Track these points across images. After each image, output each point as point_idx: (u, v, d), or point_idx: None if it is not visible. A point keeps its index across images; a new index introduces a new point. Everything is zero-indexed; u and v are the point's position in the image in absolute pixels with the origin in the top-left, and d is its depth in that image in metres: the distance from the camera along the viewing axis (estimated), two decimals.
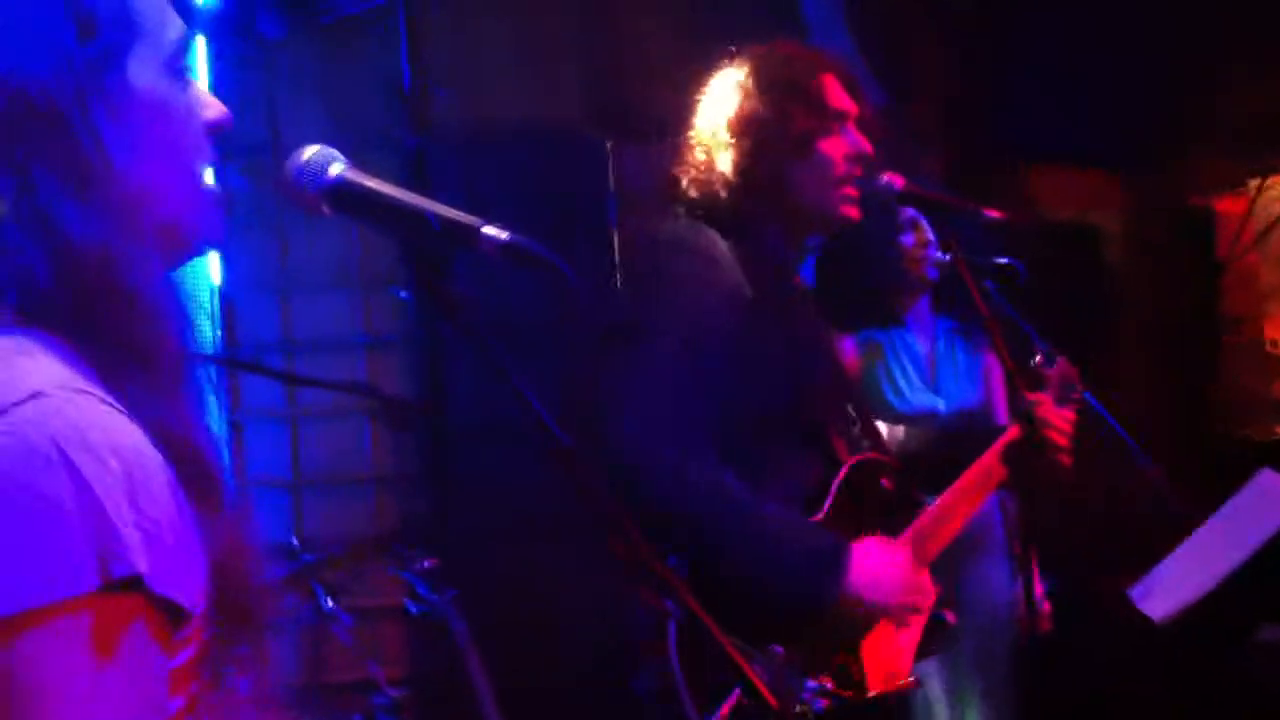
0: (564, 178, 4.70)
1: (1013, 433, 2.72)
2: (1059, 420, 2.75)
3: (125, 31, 1.07)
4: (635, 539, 1.51)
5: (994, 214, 2.67)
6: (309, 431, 4.62)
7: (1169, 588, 2.60)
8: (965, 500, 2.66)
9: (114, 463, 0.94)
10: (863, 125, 2.56)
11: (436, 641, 2.91)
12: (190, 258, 1.16)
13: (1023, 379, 2.78)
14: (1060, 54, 4.37)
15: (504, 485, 3.89)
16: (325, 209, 1.39)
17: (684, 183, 2.55)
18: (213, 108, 1.17)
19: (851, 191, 2.54)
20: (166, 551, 0.95)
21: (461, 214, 1.39)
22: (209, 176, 1.16)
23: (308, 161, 1.38)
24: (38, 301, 1.00)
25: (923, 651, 2.55)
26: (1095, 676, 3.82)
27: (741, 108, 2.51)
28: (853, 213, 2.55)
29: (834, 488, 2.51)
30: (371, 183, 1.38)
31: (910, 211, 3.41)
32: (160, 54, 1.11)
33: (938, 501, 2.63)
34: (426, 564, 2.92)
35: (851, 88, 2.57)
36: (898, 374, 3.59)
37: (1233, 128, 5.92)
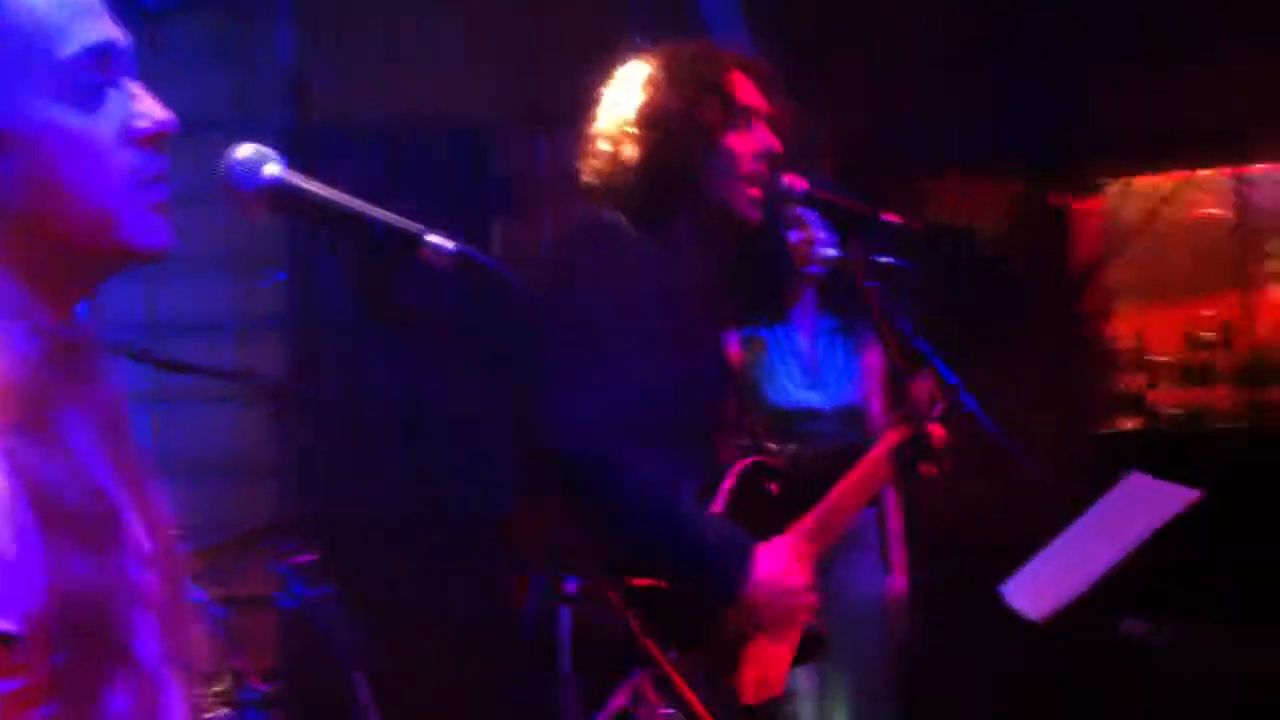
0: (447, 167, 4.65)
1: (898, 431, 2.74)
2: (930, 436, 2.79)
3: (6, 66, 1.03)
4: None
5: (892, 218, 2.70)
6: (177, 417, 4.50)
7: (1044, 587, 2.64)
8: (850, 500, 2.67)
9: None
10: (772, 124, 2.56)
11: (310, 637, 2.85)
12: (123, 268, 1.12)
13: (906, 366, 2.81)
14: (946, 63, 4.45)
15: (379, 476, 3.85)
16: (259, 209, 1.35)
17: (589, 176, 2.53)
18: (147, 115, 1.11)
19: (755, 192, 2.53)
20: None
21: (404, 220, 1.36)
22: (150, 188, 1.11)
23: (243, 160, 1.34)
24: None
25: (798, 660, 2.56)
26: (971, 673, 3.89)
27: (649, 100, 2.49)
28: (755, 215, 2.55)
29: (724, 486, 2.52)
30: (309, 185, 1.35)
31: (799, 209, 3.43)
32: (50, 74, 1.05)
33: (823, 503, 2.64)
34: (303, 559, 2.86)
35: (762, 85, 2.57)
36: (780, 370, 3.62)
37: (1098, 135, 6.10)
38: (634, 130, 2.49)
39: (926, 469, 2.68)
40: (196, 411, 4.49)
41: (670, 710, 2.07)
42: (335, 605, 2.89)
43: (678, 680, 1.59)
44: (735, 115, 2.51)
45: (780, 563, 2.43)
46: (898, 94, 4.76)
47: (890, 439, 2.73)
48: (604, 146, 2.53)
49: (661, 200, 2.49)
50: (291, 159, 4.00)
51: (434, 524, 3.78)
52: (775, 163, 2.57)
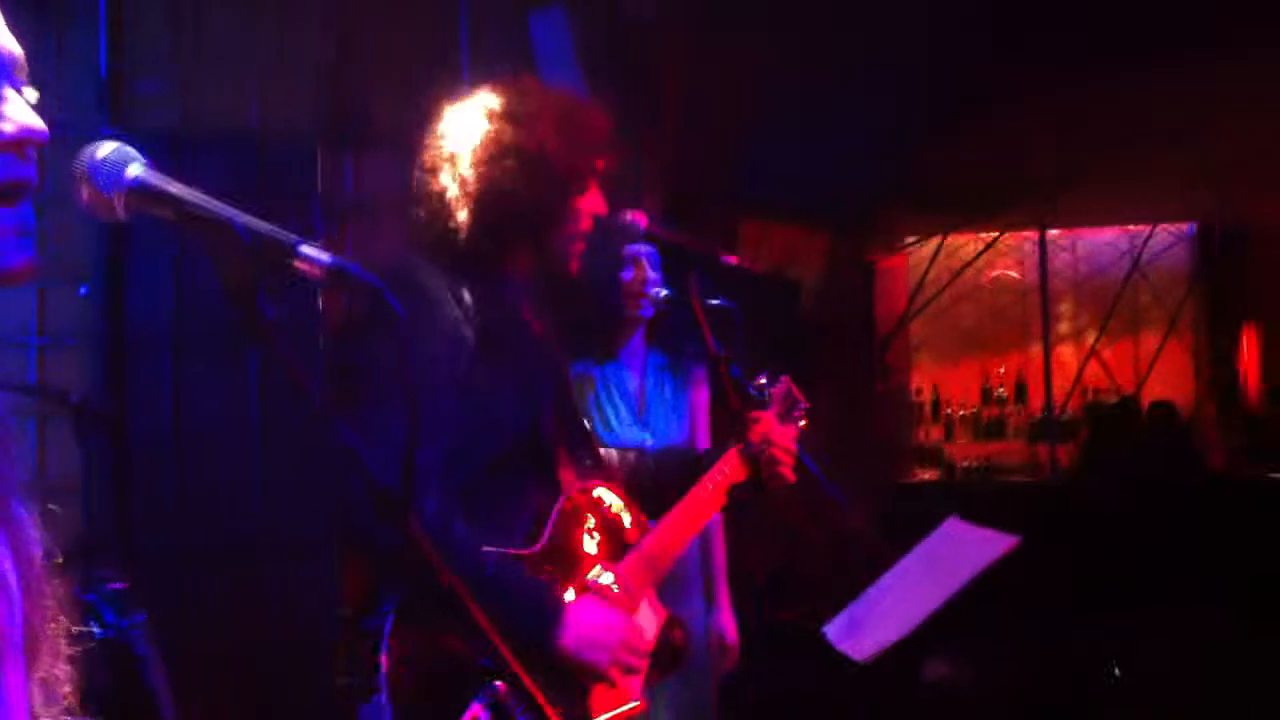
0: (270, 180, 4.54)
1: (731, 456, 2.78)
2: (780, 438, 2.84)
3: None
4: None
5: (731, 259, 2.74)
6: None
7: (867, 628, 2.70)
8: (686, 525, 2.69)
9: None
10: (602, 184, 2.59)
11: (120, 667, 2.72)
12: None
13: (745, 402, 2.87)
14: (775, 110, 4.55)
15: (193, 499, 3.71)
16: (120, 212, 1.27)
17: (417, 207, 2.50)
18: (9, 118, 1.06)
19: (581, 247, 2.57)
20: None
21: (276, 229, 1.30)
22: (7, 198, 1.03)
23: (104, 160, 1.26)
24: None
25: (652, 675, 2.56)
26: (789, 707, 3.95)
27: (496, 136, 2.46)
28: (575, 270, 2.59)
29: (552, 517, 2.51)
30: (174, 188, 1.27)
31: (633, 248, 3.46)
32: None
33: (658, 527, 2.65)
34: (115, 586, 2.73)
35: (605, 144, 2.58)
36: (608, 408, 3.62)
37: (914, 191, 6.34)
38: (470, 164, 2.47)
39: (767, 483, 2.73)
40: None
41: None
42: (147, 633, 2.76)
43: (532, 687, 1.54)
44: (585, 175, 2.54)
45: (595, 621, 2.38)
46: (721, 135, 4.84)
47: (723, 467, 2.77)
48: (431, 178, 2.50)
49: (489, 244, 2.48)
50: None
51: (252, 547, 3.66)
52: (599, 221, 2.61)
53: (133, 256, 4.37)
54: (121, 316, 4.18)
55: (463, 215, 2.46)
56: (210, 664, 3.10)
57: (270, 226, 1.31)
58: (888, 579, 2.85)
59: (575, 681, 2.39)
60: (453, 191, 2.47)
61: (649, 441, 3.60)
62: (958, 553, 2.71)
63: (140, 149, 3.77)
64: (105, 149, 1.29)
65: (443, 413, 2.30)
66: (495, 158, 2.46)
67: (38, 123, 1.07)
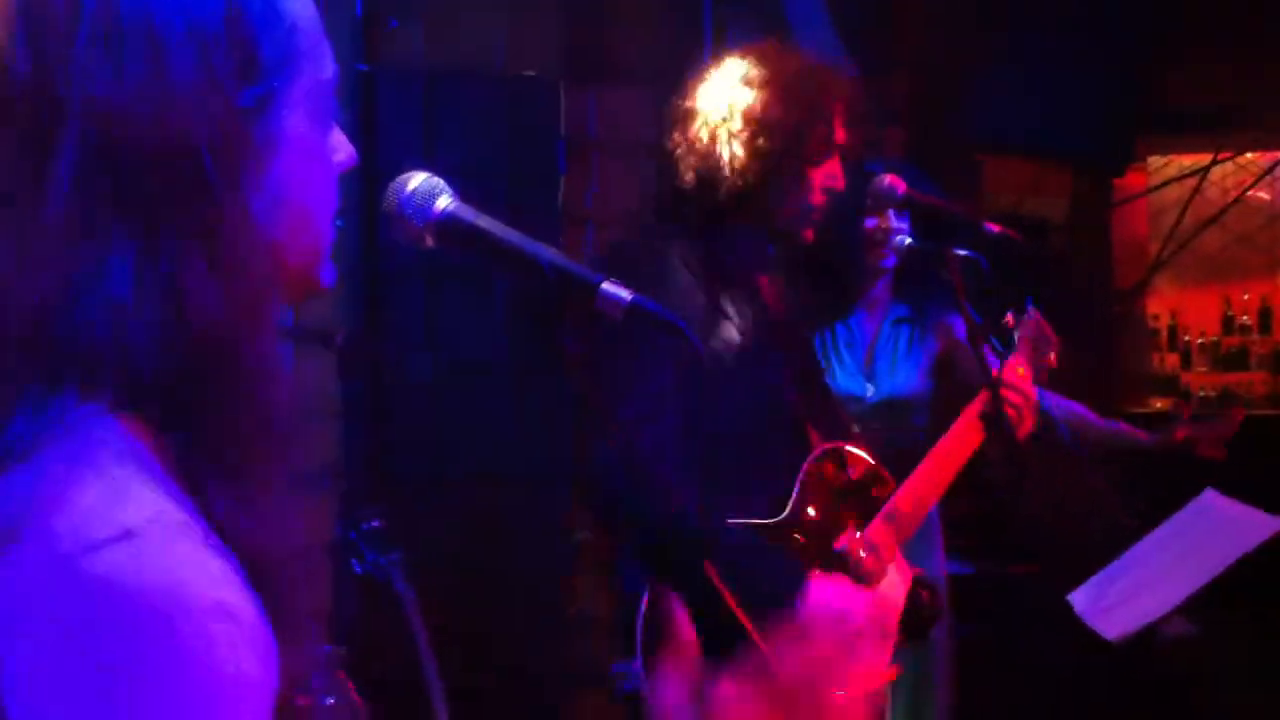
0: (516, 118, 4.62)
1: (982, 398, 2.75)
2: (1018, 380, 2.81)
3: (286, 74, 0.97)
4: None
5: (994, 228, 2.69)
6: None
7: (1120, 606, 2.66)
8: (934, 479, 2.68)
9: (212, 626, 0.86)
10: (845, 158, 2.58)
11: (379, 602, 2.86)
12: (295, 303, 1.09)
13: (992, 340, 2.84)
14: (1016, 45, 4.41)
15: (445, 429, 3.85)
16: (430, 241, 1.32)
17: (678, 157, 2.53)
18: (344, 149, 1.08)
19: (819, 217, 2.58)
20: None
21: (580, 266, 1.34)
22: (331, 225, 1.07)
23: (414, 191, 1.31)
24: (140, 384, 0.91)
25: (903, 639, 2.56)
26: (1019, 666, 3.92)
27: (764, 108, 2.48)
28: (810, 236, 2.58)
29: (797, 484, 2.53)
30: (482, 221, 1.32)
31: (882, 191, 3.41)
32: (314, 96, 1.01)
33: (905, 484, 2.65)
34: (373, 524, 2.86)
35: (852, 120, 2.58)
36: (833, 357, 3.61)
37: (1152, 112, 6.05)
38: (738, 130, 2.49)
39: (1015, 427, 2.69)
40: None
41: None
42: (404, 570, 2.90)
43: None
44: (828, 148, 2.54)
45: (837, 597, 2.40)
46: (958, 72, 4.72)
47: (976, 404, 2.74)
48: (703, 136, 2.53)
49: (735, 201, 2.51)
50: (360, 101, 3.98)
51: (495, 478, 3.78)
52: (838, 198, 2.61)
53: (382, 191, 4.51)
54: (375, 248, 4.32)
55: (702, 182, 2.50)
56: (450, 591, 3.24)
57: (574, 264, 1.35)
58: (1140, 551, 2.78)
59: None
60: (693, 158, 2.51)
61: (870, 392, 3.57)
62: (1219, 533, 2.63)
63: (392, 86, 3.88)
64: (414, 181, 1.33)
65: (681, 383, 2.34)
66: (739, 128, 2.49)
67: (352, 149, 1.10)
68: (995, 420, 2.73)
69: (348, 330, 3.67)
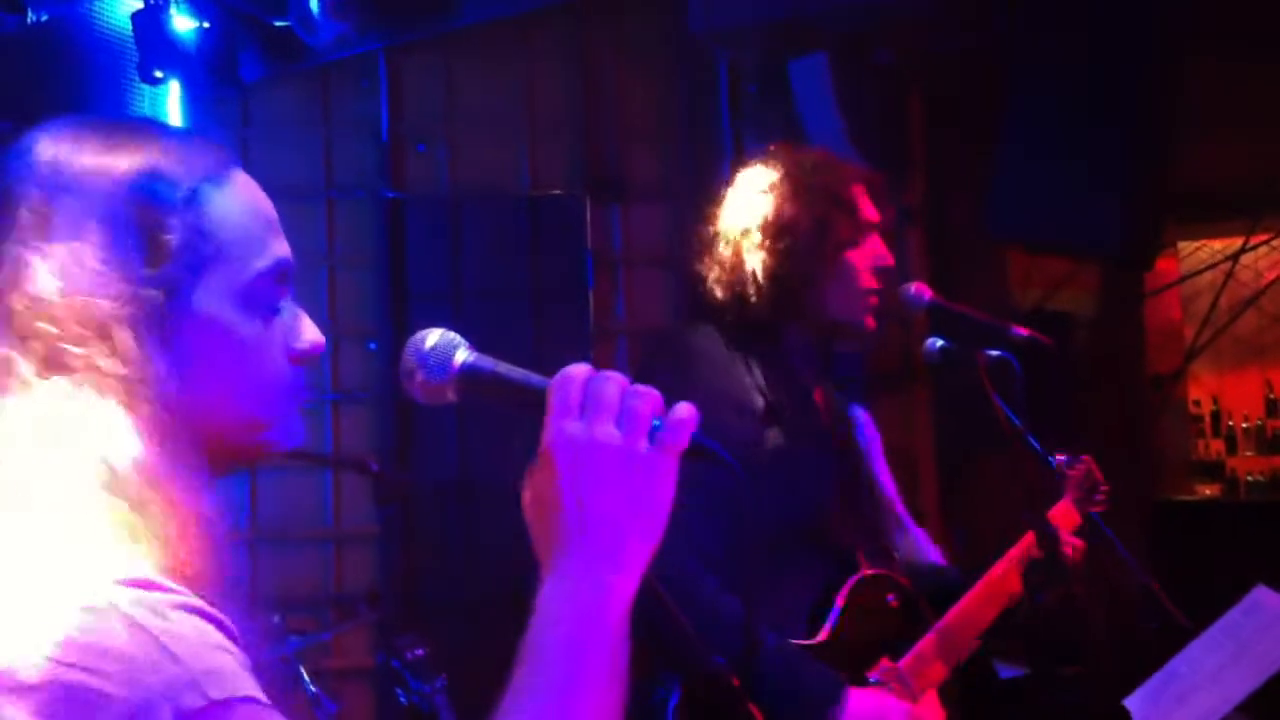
0: (542, 237, 4.67)
1: (1026, 542, 2.65)
2: (1063, 524, 2.72)
3: (198, 258, 1.08)
4: None
5: (1022, 331, 2.66)
6: (266, 481, 4.52)
7: (1179, 708, 2.59)
8: (975, 617, 2.59)
9: None
10: (884, 235, 2.55)
11: None
12: (254, 462, 1.18)
13: (1043, 484, 2.75)
14: (1032, 139, 4.42)
15: (475, 550, 3.84)
16: (451, 396, 1.32)
17: (710, 279, 2.52)
18: (304, 337, 1.17)
19: (875, 301, 2.52)
20: None
21: None
22: (291, 397, 1.16)
23: (432, 350, 1.29)
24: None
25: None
26: None
27: (779, 211, 2.47)
28: (873, 323, 2.53)
29: (837, 606, 2.46)
30: (502, 368, 1.31)
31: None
32: (236, 283, 1.11)
33: (944, 619, 2.57)
34: (418, 652, 2.85)
35: (878, 197, 2.55)
36: None
37: (1180, 196, 6.02)
38: (760, 239, 2.48)
39: (1055, 591, 2.58)
40: (287, 478, 4.51)
41: None
42: (447, 696, 2.88)
43: None
44: (860, 231, 2.51)
45: (874, 705, 2.32)
46: (979, 168, 4.74)
47: (1018, 549, 2.65)
48: (726, 253, 2.52)
49: (779, 310, 2.48)
50: (387, 229, 4.03)
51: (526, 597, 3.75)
52: (890, 274, 2.56)
53: (415, 314, 4.57)
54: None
55: (752, 284, 2.47)
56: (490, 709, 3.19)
57: None
58: (1192, 652, 2.70)
59: None
60: (744, 259, 2.49)
61: None
62: (1272, 629, 2.56)
63: (419, 209, 3.91)
64: (432, 338, 1.31)
65: (727, 484, 2.30)
66: (779, 228, 2.47)
67: (321, 339, 1.19)
68: (1039, 566, 2.63)
69: (381, 456, 3.69)
